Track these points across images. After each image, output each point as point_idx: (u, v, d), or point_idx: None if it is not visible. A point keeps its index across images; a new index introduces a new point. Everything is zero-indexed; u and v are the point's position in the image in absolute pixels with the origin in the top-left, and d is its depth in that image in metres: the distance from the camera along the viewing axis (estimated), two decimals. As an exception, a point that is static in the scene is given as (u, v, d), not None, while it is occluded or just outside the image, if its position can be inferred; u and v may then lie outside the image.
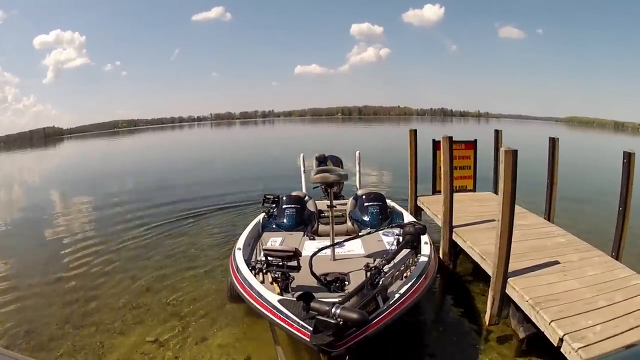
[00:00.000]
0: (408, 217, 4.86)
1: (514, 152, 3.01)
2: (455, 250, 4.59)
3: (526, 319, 3.10)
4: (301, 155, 6.71)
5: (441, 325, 3.65)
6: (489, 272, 3.55)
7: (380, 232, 4.12)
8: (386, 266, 2.88)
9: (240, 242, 4.00)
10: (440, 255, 4.69)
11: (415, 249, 3.31)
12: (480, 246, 3.95)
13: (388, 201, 5.27)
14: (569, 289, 3.11)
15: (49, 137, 71.77)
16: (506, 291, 3.27)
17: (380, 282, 2.66)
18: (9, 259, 5.68)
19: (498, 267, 3.18)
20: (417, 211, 6.07)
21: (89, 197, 10.51)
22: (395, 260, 3.04)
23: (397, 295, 2.68)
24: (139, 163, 19.59)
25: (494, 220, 4.75)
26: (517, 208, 5.20)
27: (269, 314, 2.60)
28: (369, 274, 2.78)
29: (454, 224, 4.58)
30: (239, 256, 3.56)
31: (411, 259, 3.22)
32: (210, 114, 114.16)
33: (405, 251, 3.22)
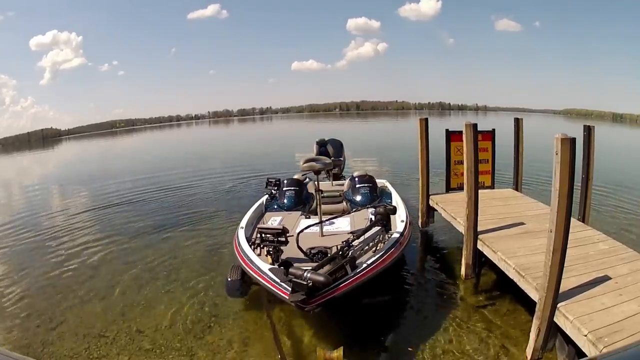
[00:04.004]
0: (396, 197, 5.25)
1: (572, 141, 2.29)
2: (479, 261, 3.89)
3: (578, 354, 2.48)
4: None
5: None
6: (530, 293, 2.88)
7: (368, 210, 4.35)
8: (356, 241, 3.28)
9: (243, 222, 4.43)
10: (463, 269, 4.02)
11: (385, 226, 3.66)
12: (514, 259, 3.24)
13: (382, 182, 5.89)
14: (630, 315, 2.49)
15: (47, 138, 70.69)
16: (555, 319, 2.58)
17: (349, 254, 3.04)
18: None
19: (547, 290, 2.48)
20: (429, 212, 5.38)
21: (77, 198, 9.78)
22: (366, 236, 3.41)
23: (364, 265, 3.08)
24: (136, 161, 18.79)
25: (522, 223, 4.16)
26: (545, 207, 4.60)
27: (260, 279, 3.08)
28: (339, 246, 3.11)
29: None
30: (241, 234, 4.00)
31: (381, 235, 3.55)
32: (208, 112, 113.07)
33: (376, 228, 3.55)
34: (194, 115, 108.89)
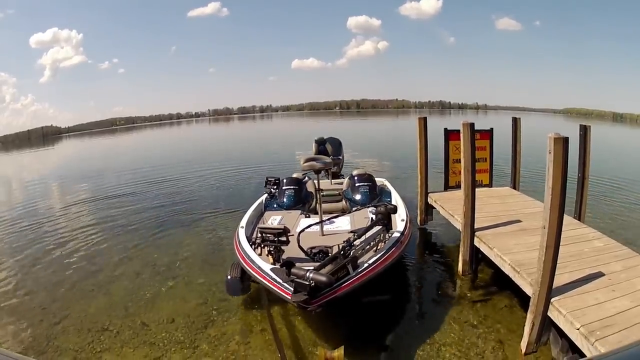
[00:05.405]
0: (395, 196, 5.23)
1: (565, 140, 2.35)
2: (476, 258, 3.96)
3: (572, 348, 2.56)
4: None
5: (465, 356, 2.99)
6: (525, 288, 2.94)
7: (368, 209, 4.35)
8: (357, 240, 3.30)
9: (243, 221, 4.37)
10: (460, 266, 4.09)
11: (386, 226, 3.64)
12: (510, 255, 3.31)
13: (381, 180, 5.88)
14: (622, 310, 2.56)
15: (47, 136, 70.78)
16: (548, 314, 2.65)
17: (351, 254, 3.07)
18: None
19: (541, 285, 2.54)
20: (427, 210, 5.44)
21: (79, 194, 9.70)
22: (367, 236, 3.42)
23: (366, 265, 3.08)
24: (136, 158, 18.72)
25: (519, 221, 4.23)
26: (542, 205, 4.65)
27: (262, 279, 3.08)
28: (341, 246, 3.15)
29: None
30: (241, 233, 3.97)
31: (382, 235, 3.57)
32: (208, 109, 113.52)
33: (377, 228, 3.56)
34: (194, 113, 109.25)
